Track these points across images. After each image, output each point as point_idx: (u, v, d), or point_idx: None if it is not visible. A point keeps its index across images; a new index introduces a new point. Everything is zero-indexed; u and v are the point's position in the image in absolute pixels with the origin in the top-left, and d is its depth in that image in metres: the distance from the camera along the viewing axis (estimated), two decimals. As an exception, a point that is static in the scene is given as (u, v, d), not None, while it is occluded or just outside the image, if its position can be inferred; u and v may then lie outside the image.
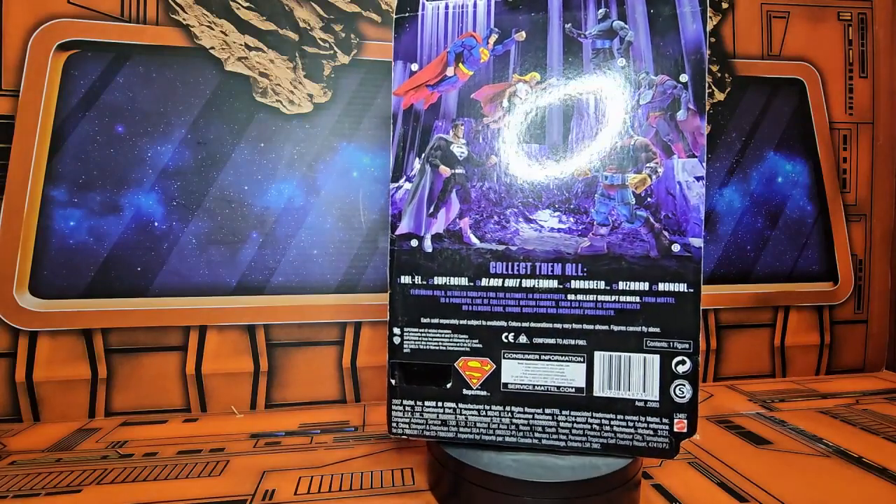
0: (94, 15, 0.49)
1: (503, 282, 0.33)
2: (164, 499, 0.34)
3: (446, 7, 0.37)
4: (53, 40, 0.48)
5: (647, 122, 0.32)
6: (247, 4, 0.51)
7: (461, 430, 0.34)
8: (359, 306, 0.53)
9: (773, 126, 0.61)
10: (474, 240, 0.34)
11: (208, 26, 0.50)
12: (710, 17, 0.60)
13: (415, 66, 0.37)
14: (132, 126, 0.49)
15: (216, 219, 0.50)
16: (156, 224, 0.49)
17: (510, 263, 0.33)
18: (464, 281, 0.34)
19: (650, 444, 0.31)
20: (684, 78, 0.32)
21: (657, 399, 0.31)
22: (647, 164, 0.32)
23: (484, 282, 0.34)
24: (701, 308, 0.31)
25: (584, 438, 0.32)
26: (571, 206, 0.33)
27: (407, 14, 0.37)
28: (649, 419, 0.32)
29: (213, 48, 0.50)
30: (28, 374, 0.48)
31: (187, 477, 0.37)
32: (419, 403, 0.35)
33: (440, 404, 0.34)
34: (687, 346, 0.31)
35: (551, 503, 0.29)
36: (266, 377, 0.52)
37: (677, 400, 0.31)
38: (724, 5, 0.60)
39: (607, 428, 0.32)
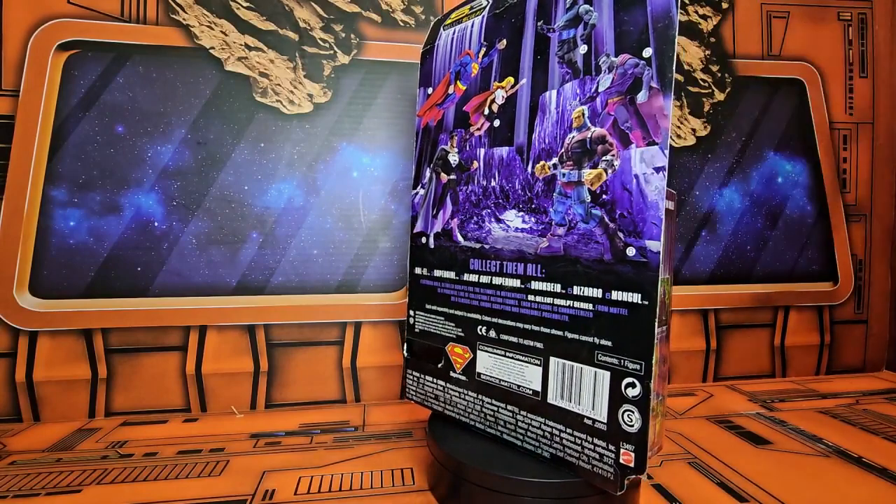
0: (94, 15, 0.49)
1: (478, 278, 0.35)
2: (164, 499, 0.34)
3: (453, 32, 0.39)
4: (53, 40, 0.48)
5: (605, 111, 0.29)
6: (247, 4, 0.51)
7: (447, 406, 0.38)
8: (359, 306, 0.53)
9: (773, 126, 0.61)
10: (460, 238, 0.37)
11: (208, 26, 0.50)
12: (710, 17, 0.60)
13: (430, 90, 0.40)
14: (132, 126, 0.49)
15: (216, 219, 0.50)
16: (156, 224, 0.49)
17: (484, 261, 0.35)
18: (452, 275, 0.37)
19: (594, 469, 0.28)
20: (648, 52, 0.27)
21: (605, 421, 0.28)
22: (604, 158, 0.29)
23: (466, 276, 0.36)
24: (656, 326, 0.26)
25: (536, 443, 0.32)
26: (532, 206, 0.32)
27: (429, 47, 0.41)
28: (596, 441, 0.28)
29: (213, 48, 0.50)
30: (28, 374, 0.48)
31: (187, 477, 0.37)
32: (422, 376, 0.39)
33: (434, 380, 0.38)
34: (638, 367, 0.27)
35: (551, 503, 0.29)
36: (266, 377, 0.52)
37: (625, 427, 0.27)
38: (724, 5, 0.60)
39: (557, 439, 0.30)
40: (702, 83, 0.59)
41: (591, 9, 0.30)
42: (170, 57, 0.49)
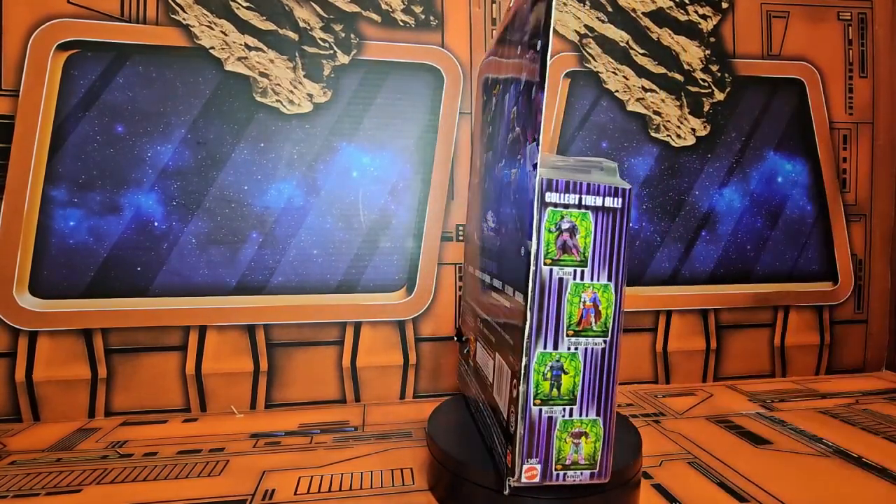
0: (94, 15, 0.49)
1: (479, 273, 0.37)
2: (164, 499, 0.34)
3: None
4: (53, 40, 0.48)
5: (521, 109, 0.28)
6: (247, 4, 0.51)
7: (466, 391, 0.40)
8: (359, 306, 0.53)
9: (773, 126, 0.61)
10: (477, 236, 0.40)
11: (208, 26, 0.50)
12: (710, 17, 0.60)
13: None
14: (132, 126, 0.49)
15: (216, 219, 0.50)
16: (156, 224, 0.49)
17: (482, 258, 0.37)
18: (471, 269, 0.40)
19: (500, 465, 0.28)
20: (539, 44, 0.25)
21: (506, 419, 0.28)
22: (517, 157, 0.28)
23: (477, 273, 0.38)
24: (528, 330, 0.25)
25: (486, 432, 0.33)
26: (496, 206, 0.33)
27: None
28: (502, 438, 0.29)
29: (213, 48, 0.50)
30: (28, 374, 0.48)
31: (187, 477, 0.37)
32: (462, 360, 0.43)
33: (465, 364, 0.42)
34: (519, 368, 0.26)
35: (551, 503, 0.29)
36: (266, 377, 0.52)
37: (510, 428, 0.27)
38: (724, 5, 0.60)
39: (491, 431, 0.31)
40: (702, 83, 0.59)
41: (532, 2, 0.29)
42: (170, 57, 0.49)
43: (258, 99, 0.51)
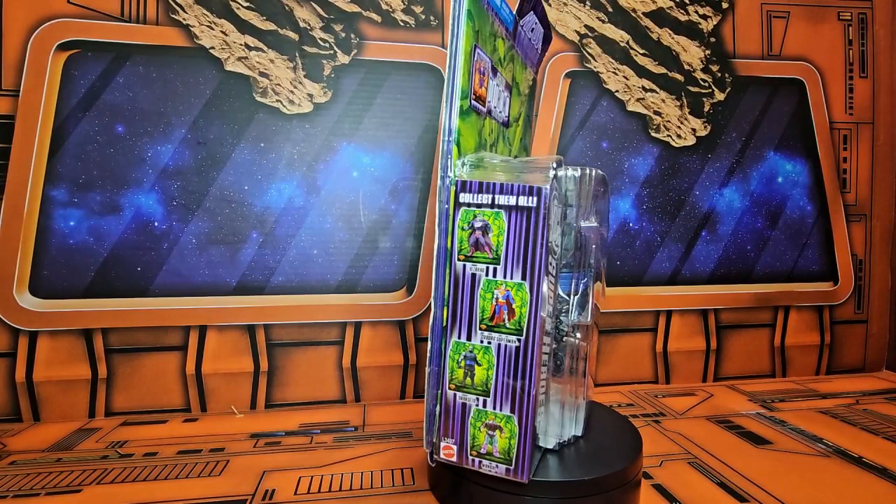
0: (94, 15, 0.49)
1: None
2: (164, 499, 0.34)
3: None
4: (53, 40, 0.48)
5: None
6: (247, 4, 0.51)
7: None
8: (359, 306, 0.53)
9: (773, 126, 0.61)
10: None
11: (208, 26, 0.50)
12: (710, 17, 0.60)
13: None
14: (132, 126, 0.49)
15: (216, 219, 0.50)
16: (156, 224, 0.49)
17: None
18: None
19: None
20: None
21: None
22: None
23: None
24: (434, 319, 0.28)
25: None
26: None
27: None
28: None
29: (213, 48, 0.50)
30: (28, 374, 0.48)
31: (187, 477, 0.37)
32: None
33: None
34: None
35: (551, 503, 0.29)
36: (266, 377, 0.52)
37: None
38: (724, 5, 0.60)
39: None
40: (702, 83, 0.59)
41: None
42: (170, 57, 0.49)
43: (258, 99, 0.51)
